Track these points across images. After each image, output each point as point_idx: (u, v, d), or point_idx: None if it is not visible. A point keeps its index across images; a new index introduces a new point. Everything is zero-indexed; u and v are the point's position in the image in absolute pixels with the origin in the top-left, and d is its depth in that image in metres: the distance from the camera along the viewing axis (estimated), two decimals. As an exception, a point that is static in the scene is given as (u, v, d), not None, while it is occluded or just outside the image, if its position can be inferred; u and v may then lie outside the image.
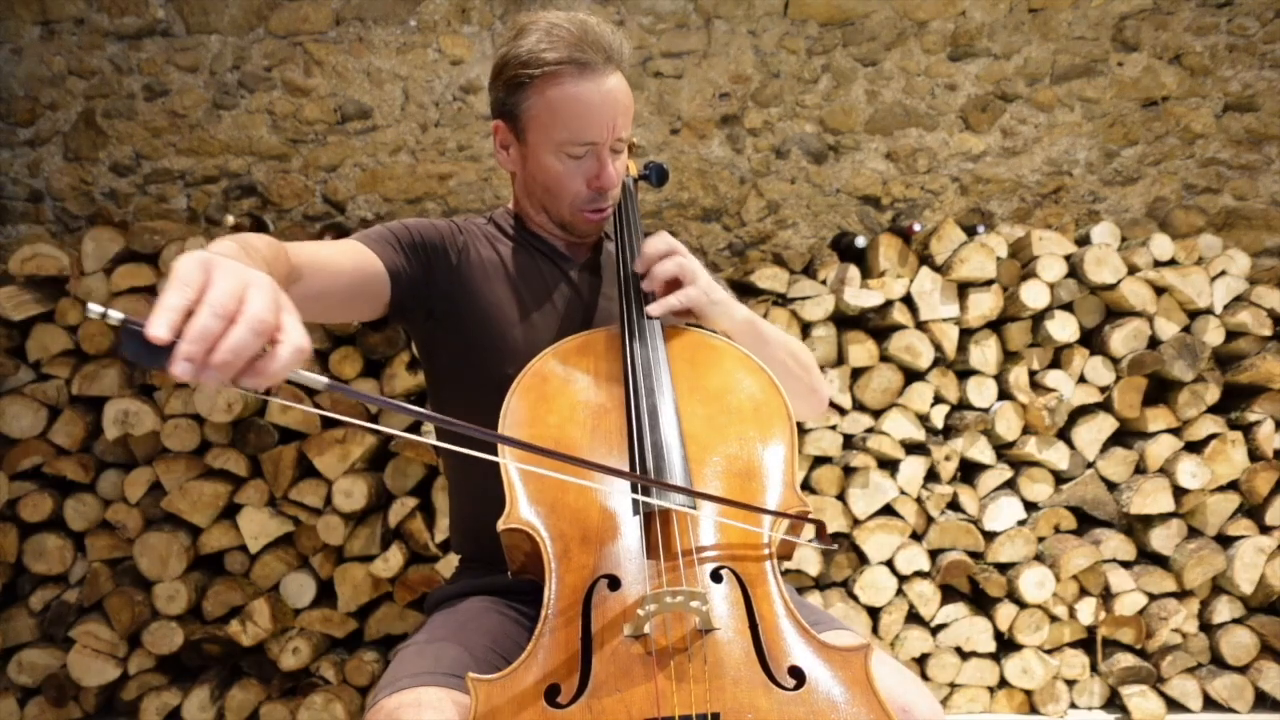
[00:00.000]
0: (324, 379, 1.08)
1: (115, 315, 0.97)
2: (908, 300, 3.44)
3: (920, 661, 3.37)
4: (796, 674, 1.28)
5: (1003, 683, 3.37)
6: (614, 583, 1.37)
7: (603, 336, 1.74)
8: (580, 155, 1.83)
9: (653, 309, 1.73)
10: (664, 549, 1.39)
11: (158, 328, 0.96)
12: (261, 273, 1.07)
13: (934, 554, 3.38)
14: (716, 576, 1.38)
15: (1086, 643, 3.41)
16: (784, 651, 1.31)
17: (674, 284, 1.78)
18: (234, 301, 1.01)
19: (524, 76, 1.79)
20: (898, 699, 1.39)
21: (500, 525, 1.44)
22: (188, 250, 1.35)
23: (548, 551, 1.41)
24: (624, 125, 1.83)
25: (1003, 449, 3.45)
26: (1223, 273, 3.43)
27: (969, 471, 3.49)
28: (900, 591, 3.36)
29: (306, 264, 1.56)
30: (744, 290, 3.44)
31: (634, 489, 1.44)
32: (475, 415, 1.69)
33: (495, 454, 1.49)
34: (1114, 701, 3.41)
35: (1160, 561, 3.40)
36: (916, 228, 3.60)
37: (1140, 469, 3.40)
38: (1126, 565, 3.38)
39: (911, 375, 3.44)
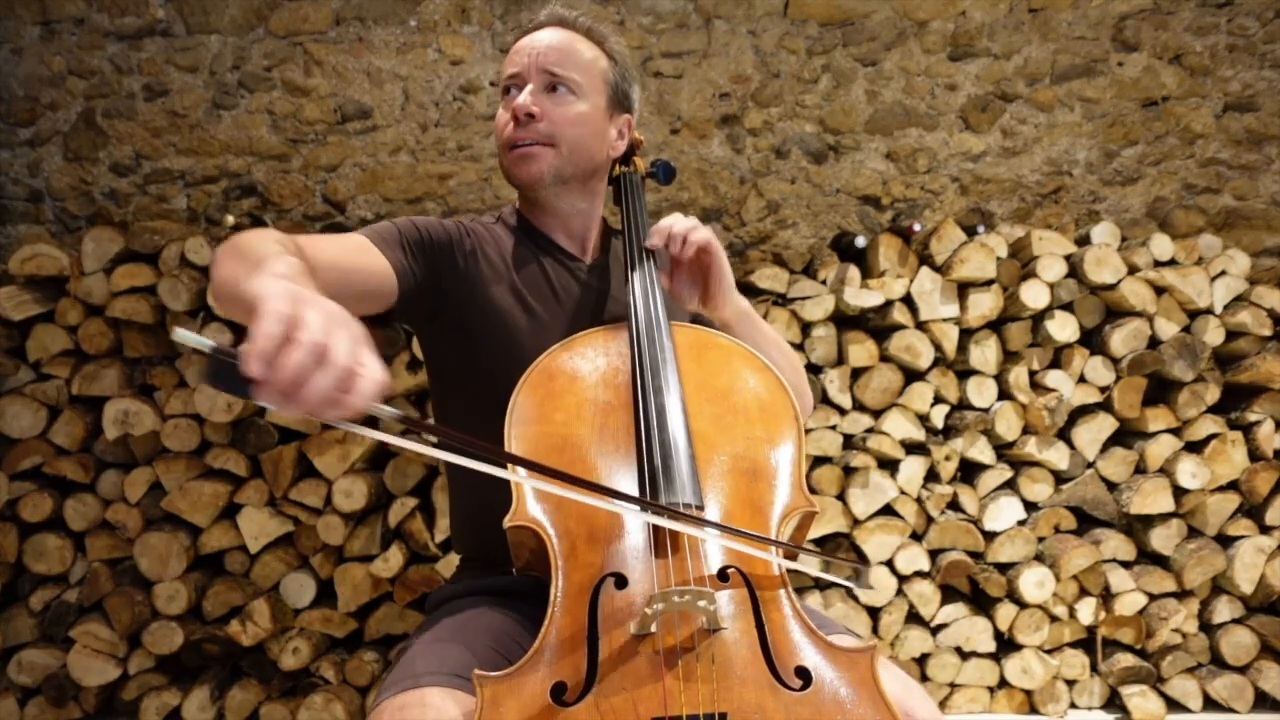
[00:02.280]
0: (396, 411, 1.13)
1: (207, 344, 1.00)
2: (908, 300, 3.44)
3: (920, 661, 3.37)
4: (803, 674, 1.28)
5: (1003, 683, 3.37)
6: (621, 581, 1.36)
7: (610, 334, 1.73)
8: (509, 94, 1.92)
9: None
10: (671, 548, 1.38)
11: (255, 365, 1.00)
12: (341, 309, 1.11)
13: (934, 554, 3.38)
14: (723, 576, 1.38)
15: (1086, 643, 3.41)
16: (791, 652, 1.31)
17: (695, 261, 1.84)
18: (323, 338, 1.04)
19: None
20: (899, 704, 1.39)
21: (506, 522, 1.44)
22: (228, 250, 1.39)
23: (554, 549, 1.40)
24: (551, 57, 1.89)
25: (1003, 449, 3.45)
26: (1223, 273, 3.44)
27: (969, 471, 3.49)
28: (900, 591, 3.36)
29: (320, 260, 1.56)
30: (744, 290, 3.43)
31: (644, 510, 1.42)
32: (480, 415, 1.69)
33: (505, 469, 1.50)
34: (1114, 701, 3.41)
35: (1160, 561, 3.40)
36: (916, 228, 3.60)
37: (1140, 469, 3.41)
38: (1126, 565, 3.39)
39: (911, 375, 3.44)
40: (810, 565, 1.65)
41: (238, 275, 1.30)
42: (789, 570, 1.45)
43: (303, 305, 1.06)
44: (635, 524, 1.42)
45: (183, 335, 1.00)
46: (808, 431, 3.37)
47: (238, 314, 1.34)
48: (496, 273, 1.89)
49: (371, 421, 1.20)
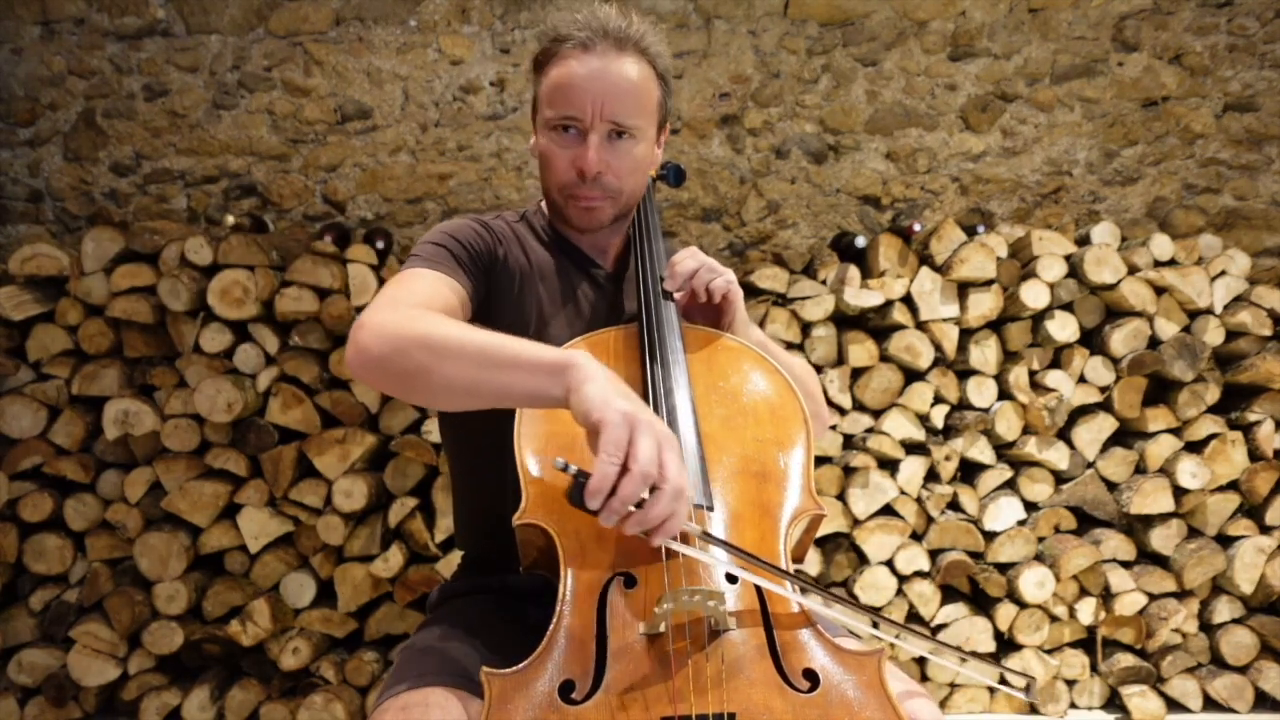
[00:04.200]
0: (699, 527, 1.33)
1: (573, 469, 1.23)
2: (908, 300, 3.44)
3: (920, 662, 3.37)
4: (811, 676, 1.28)
5: (1003, 682, 3.37)
6: (629, 581, 1.36)
7: (621, 335, 1.73)
8: (569, 135, 1.78)
9: (672, 283, 1.78)
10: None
11: (591, 500, 1.21)
12: (665, 426, 1.29)
13: (934, 554, 3.38)
14: (731, 577, 1.38)
15: (1086, 643, 3.41)
16: (798, 653, 1.31)
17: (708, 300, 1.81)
18: (654, 467, 1.23)
19: (539, 59, 1.81)
20: (903, 707, 1.38)
21: (516, 520, 1.43)
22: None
23: (563, 548, 1.40)
24: (617, 107, 1.75)
25: (1003, 449, 3.45)
26: (1223, 273, 3.44)
27: (969, 471, 3.49)
28: (900, 591, 3.36)
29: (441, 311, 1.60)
30: (744, 290, 3.43)
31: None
32: (492, 415, 1.68)
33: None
34: (1114, 701, 3.41)
35: (1160, 561, 3.41)
36: (916, 228, 3.61)
37: (1140, 469, 3.41)
38: (1126, 565, 3.39)
39: (911, 375, 3.44)
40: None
41: (492, 379, 1.41)
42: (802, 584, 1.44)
43: (637, 430, 1.24)
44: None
45: (559, 463, 1.24)
46: (808, 431, 3.37)
47: (484, 405, 1.47)
48: (521, 277, 1.86)
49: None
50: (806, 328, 3.45)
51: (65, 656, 3.15)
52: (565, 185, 1.81)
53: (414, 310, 1.51)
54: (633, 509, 1.23)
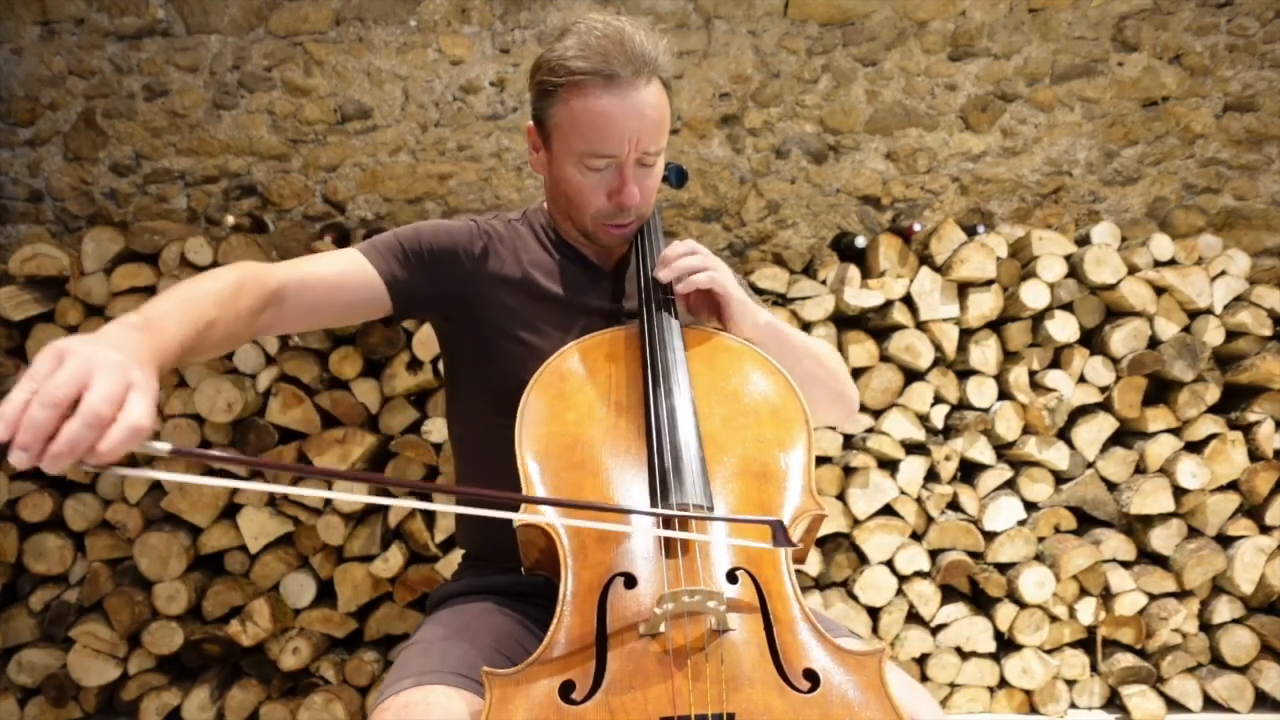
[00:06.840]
0: (168, 446, 1.13)
1: None
2: (908, 300, 3.44)
3: (920, 662, 3.37)
4: (811, 676, 1.28)
5: (1003, 683, 3.37)
6: (630, 581, 1.36)
7: (622, 335, 1.73)
8: (601, 169, 1.78)
9: (676, 286, 1.76)
10: (681, 549, 1.38)
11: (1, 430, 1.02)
12: (114, 354, 1.12)
13: (934, 554, 3.38)
14: (732, 577, 1.38)
15: (1086, 643, 3.41)
16: (799, 653, 1.31)
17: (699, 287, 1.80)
18: (71, 390, 1.05)
19: (550, 84, 1.76)
20: (905, 708, 1.39)
21: (517, 521, 1.44)
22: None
23: (564, 548, 1.40)
24: (650, 140, 1.77)
25: (1003, 449, 3.45)
26: (1223, 273, 3.44)
27: (969, 471, 3.49)
28: (900, 591, 3.36)
29: (292, 283, 1.64)
30: (745, 290, 3.44)
31: (659, 523, 1.42)
32: (494, 415, 1.69)
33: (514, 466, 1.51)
34: (1114, 701, 3.41)
35: (1160, 561, 3.41)
36: (916, 228, 3.60)
37: (1140, 469, 3.41)
38: (1126, 565, 3.39)
39: (911, 375, 3.45)
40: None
41: None
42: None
43: (65, 358, 1.08)
44: (646, 524, 1.42)
45: None
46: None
47: None
48: (510, 273, 1.88)
49: (221, 473, 1.23)
50: (806, 328, 3.45)
51: (65, 656, 3.16)
52: (599, 214, 1.84)
53: (255, 264, 1.61)
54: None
